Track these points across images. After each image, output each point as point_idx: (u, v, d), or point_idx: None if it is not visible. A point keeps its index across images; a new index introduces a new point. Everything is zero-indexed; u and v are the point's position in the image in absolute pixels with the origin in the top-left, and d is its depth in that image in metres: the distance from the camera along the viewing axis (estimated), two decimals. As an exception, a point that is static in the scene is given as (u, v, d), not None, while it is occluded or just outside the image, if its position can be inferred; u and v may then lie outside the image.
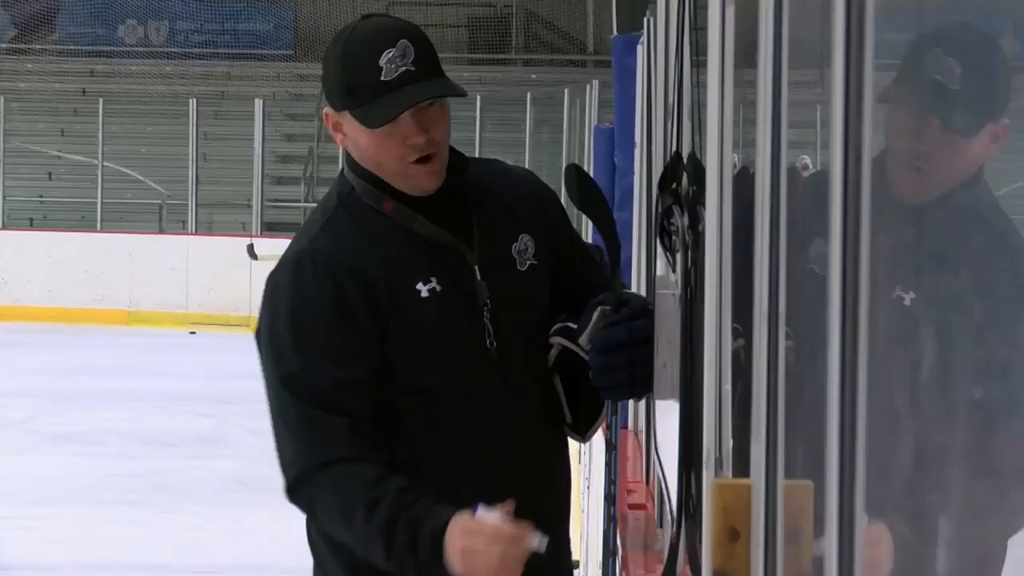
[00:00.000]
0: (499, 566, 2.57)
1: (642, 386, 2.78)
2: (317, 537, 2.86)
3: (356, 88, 2.74)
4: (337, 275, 2.76)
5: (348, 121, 2.78)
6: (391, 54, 2.72)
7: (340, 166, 2.94)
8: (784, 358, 1.52)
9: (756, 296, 1.58)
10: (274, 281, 2.82)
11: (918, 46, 1.55)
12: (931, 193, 1.94)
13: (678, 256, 2.40)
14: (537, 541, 2.59)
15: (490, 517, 2.59)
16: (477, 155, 3.13)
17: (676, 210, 2.41)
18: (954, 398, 1.05)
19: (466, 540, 2.58)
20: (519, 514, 2.82)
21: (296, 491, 2.75)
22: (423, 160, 2.75)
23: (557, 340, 2.84)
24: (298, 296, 2.77)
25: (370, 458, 2.71)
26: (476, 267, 2.82)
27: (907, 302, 1.22)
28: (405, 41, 2.74)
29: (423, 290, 2.78)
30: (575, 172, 2.88)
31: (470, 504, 2.67)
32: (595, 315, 2.75)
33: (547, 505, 2.90)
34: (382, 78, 2.71)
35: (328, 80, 2.80)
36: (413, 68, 2.73)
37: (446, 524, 2.60)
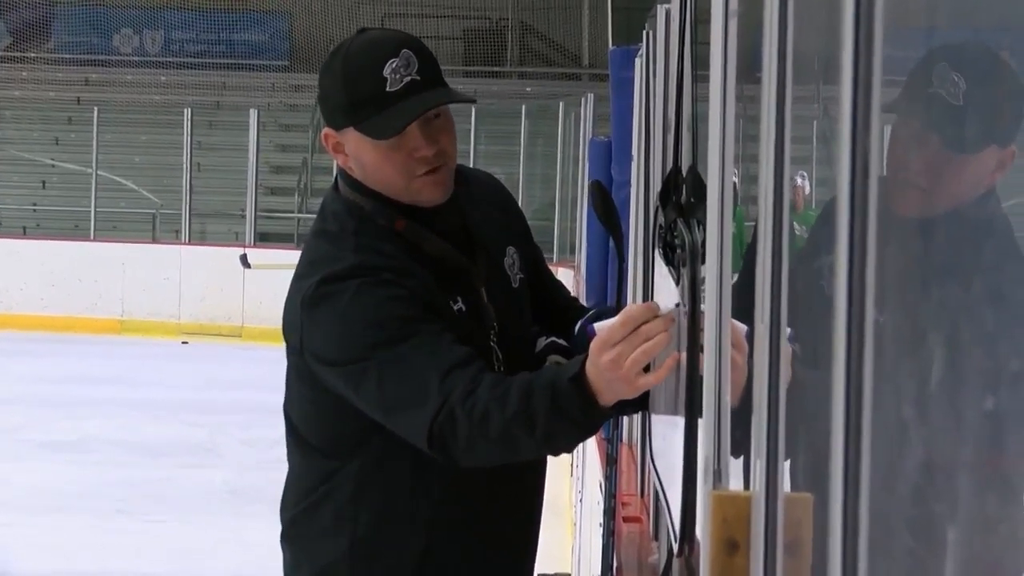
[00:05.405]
0: (650, 346, 2.32)
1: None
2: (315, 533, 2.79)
3: (361, 102, 2.63)
4: (397, 279, 2.61)
5: (352, 138, 2.67)
6: (395, 64, 2.62)
7: (334, 177, 2.81)
8: (785, 369, 1.52)
9: (758, 307, 1.58)
10: (323, 291, 2.62)
11: (925, 59, 1.55)
12: (933, 210, 1.93)
13: (682, 271, 2.40)
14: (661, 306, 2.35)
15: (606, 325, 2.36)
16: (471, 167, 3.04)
17: (680, 224, 2.40)
18: (962, 408, 1.06)
19: (606, 352, 2.34)
20: (516, 527, 2.84)
21: (445, 419, 2.50)
22: (431, 171, 2.67)
23: (555, 359, 2.74)
24: (361, 290, 2.59)
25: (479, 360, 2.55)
26: (483, 289, 2.74)
27: (912, 313, 1.23)
28: (407, 51, 2.64)
29: (455, 307, 2.69)
30: (599, 189, 2.80)
31: (478, 519, 2.67)
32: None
33: (535, 519, 2.90)
34: (388, 89, 2.61)
35: (328, 99, 2.69)
36: (418, 77, 2.63)
37: (580, 369, 2.39)
